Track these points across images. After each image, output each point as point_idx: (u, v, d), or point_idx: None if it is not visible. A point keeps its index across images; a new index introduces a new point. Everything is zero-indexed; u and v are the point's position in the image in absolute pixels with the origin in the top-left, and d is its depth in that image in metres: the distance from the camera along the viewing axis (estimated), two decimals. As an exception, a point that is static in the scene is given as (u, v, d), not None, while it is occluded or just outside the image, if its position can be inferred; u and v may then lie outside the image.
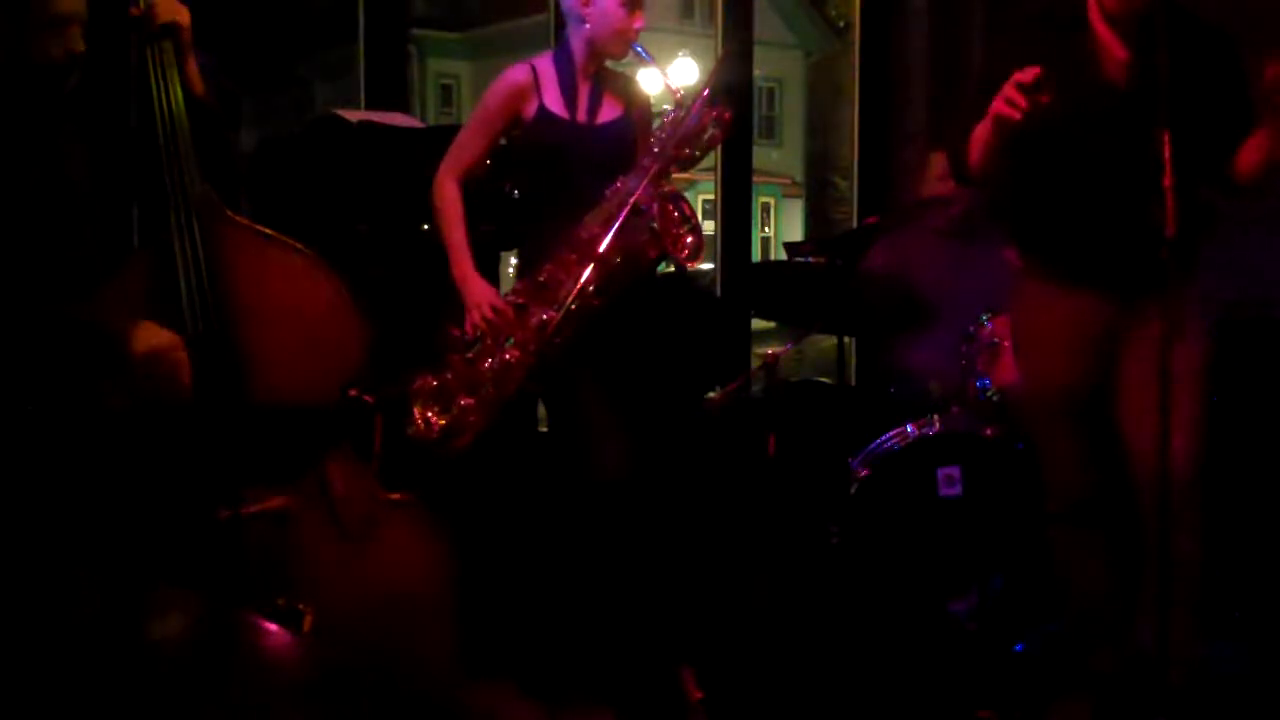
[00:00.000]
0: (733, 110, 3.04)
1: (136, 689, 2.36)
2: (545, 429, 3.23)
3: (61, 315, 2.38)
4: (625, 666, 3.08)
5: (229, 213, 2.59)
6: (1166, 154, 2.48)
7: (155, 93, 2.49)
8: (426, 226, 3.63)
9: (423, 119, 6.63)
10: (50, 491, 2.38)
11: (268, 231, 2.63)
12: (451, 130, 3.40)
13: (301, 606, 2.46)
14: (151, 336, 2.41)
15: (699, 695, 3.10)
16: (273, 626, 2.41)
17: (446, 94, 21.14)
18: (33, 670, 2.34)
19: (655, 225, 2.92)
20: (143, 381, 2.40)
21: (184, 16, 2.50)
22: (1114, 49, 2.74)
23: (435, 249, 3.19)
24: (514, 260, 4.18)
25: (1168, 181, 2.49)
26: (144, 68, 2.50)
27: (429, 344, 3.10)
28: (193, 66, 2.54)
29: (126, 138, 2.57)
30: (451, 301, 3.11)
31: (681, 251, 2.96)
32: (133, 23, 2.48)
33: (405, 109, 4.99)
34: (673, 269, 3.08)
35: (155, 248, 2.53)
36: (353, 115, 3.88)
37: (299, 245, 2.64)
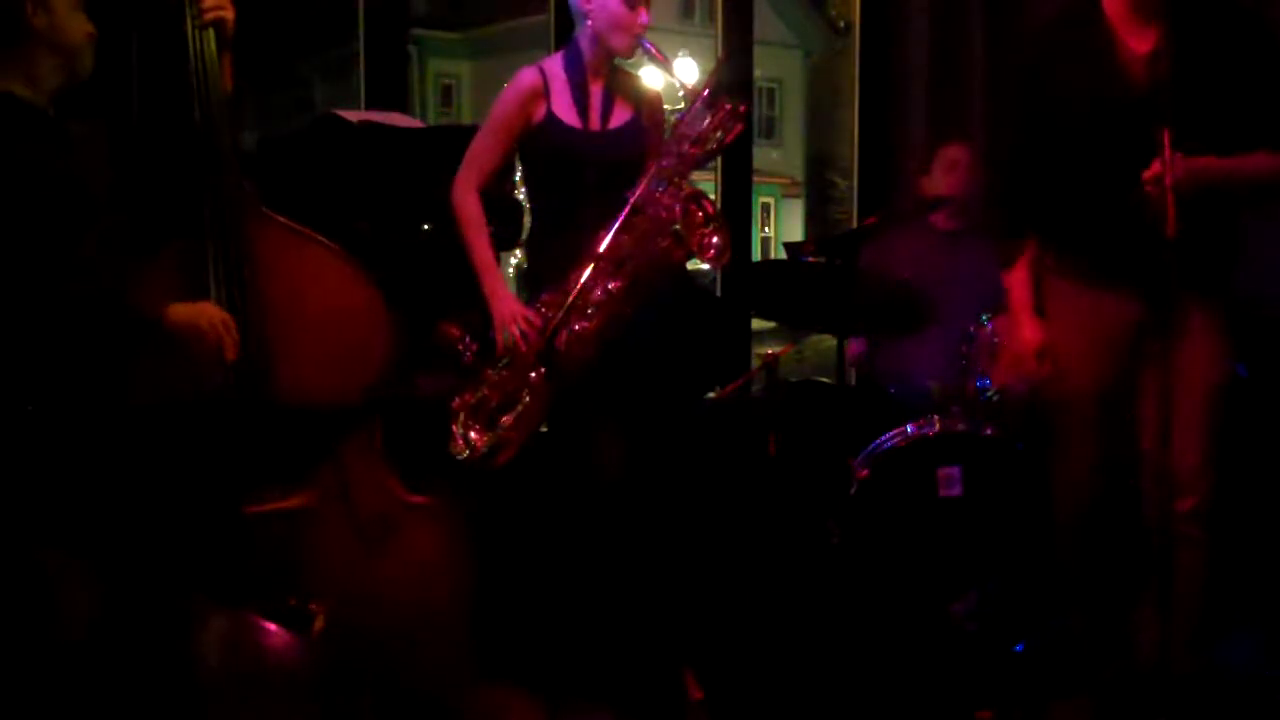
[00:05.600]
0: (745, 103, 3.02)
1: (137, 688, 2.36)
2: (545, 429, 3.23)
3: (92, 298, 2.39)
4: (625, 666, 3.08)
5: (265, 209, 2.59)
6: (1167, 154, 2.49)
7: (195, 82, 2.51)
8: (427, 226, 3.63)
9: (423, 119, 6.63)
10: (67, 487, 2.37)
11: (302, 229, 2.62)
12: (451, 130, 3.40)
13: (314, 607, 2.45)
14: (187, 306, 2.43)
15: (699, 695, 3.10)
16: (273, 627, 2.42)
17: (447, 94, 21.10)
18: (33, 668, 2.34)
19: (678, 228, 2.91)
20: (193, 347, 2.42)
21: (230, 12, 2.55)
22: (1133, 43, 2.72)
23: (435, 249, 3.19)
24: (514, 260, 4.18)
25: (1168, 181, 2.49)
26: (186, 57, 2.52)
27: (429, 344, 3.09)
28: (229, 62, 2.57)
29: (151, 123, 2.58)
30: (451, 302, 3.11)
31: (707, 253, 2.94)
32: (180, 10, 2.51)
33: (405, 109, 4.97)
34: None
35: (187, 239, 2.53)
36: (353, 115, 3.88)
37: (333, 244, 2.63)
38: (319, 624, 2.43)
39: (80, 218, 2.40)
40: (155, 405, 2.46)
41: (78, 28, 2.43)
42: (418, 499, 2.75)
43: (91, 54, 2.46)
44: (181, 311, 2.43)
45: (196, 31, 2.51)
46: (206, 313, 2.46)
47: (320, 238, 2.63)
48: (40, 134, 2.39)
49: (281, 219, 2.60)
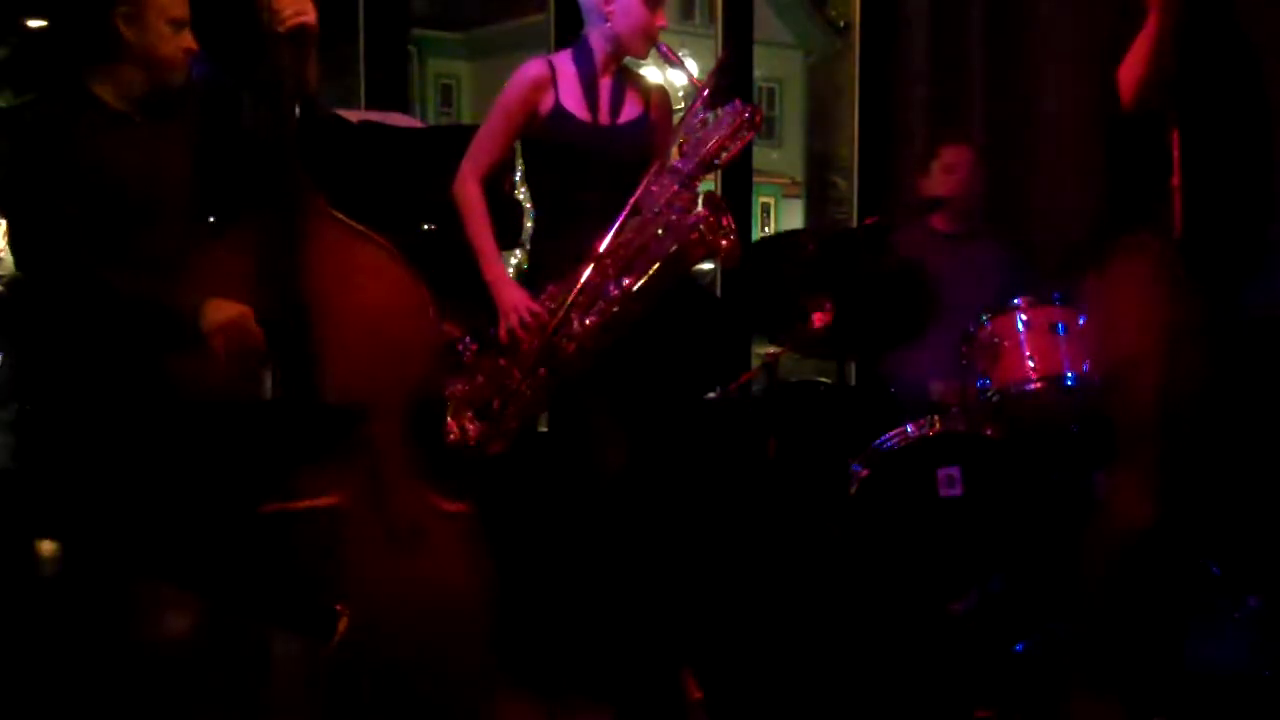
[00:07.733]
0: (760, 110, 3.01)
1: (140, 689, 2.36)
2: (544, 428, 3.23)
3: (132, 295, 2.43)
4: (625, 666, 3.07)
5: (326, 207, 2.60)
6: (1175, 154, 2.49)
7: (269, 84, 2.53)
8: (427, 227, 3.63)
9: (423, 119, 6.62)
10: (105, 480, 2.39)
11: (361, 228, 2.62)
12: (452, 130, 3.40)
13: (339, 607, 2.43)
14: (220, 311, 2.45)
15: (699, 695, 3.10)
16: (277, 630, 2.41)
17: (446, 94, 21.10)
18: (35, 668, 2.34)
19: (703, 228, 2.91)
20: (218, 355, 2.43)
21: (312, 16, 2.56)
22: None
23: (435, 249, 3.18)
24: (513, 260, 4.18)
25: (1175, 181, 2.50)
26: (265, 63, 2.54)
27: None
28: (311, 67, 2.60)
29: (236, 130, 2.62)
30: (451, 302, 3.10)
31: (726, 254, 2.95)
32: (261, 19, 2.53)
33: (405, 109, 4.98)
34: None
35: (244, 232, 2.55)
36: (353, 115, 3.88)
37: (388, 244, 2.63)
38: (342, 626, 2.41)
39: (146, 216, 2.46)
40: (198, 401, 2.47)
41: (172, 42, 2.48)
42: (454, 507, 2.72)
43: (185, 69, 2.52)
44: (216, 314, 2.44)
45: (275, 35, 2.51)
46: (239, 320, 2.46)
47: (377, 237, 2.63)
48: (118, 138, 2.46)
49: (341, 217, 2.61)
